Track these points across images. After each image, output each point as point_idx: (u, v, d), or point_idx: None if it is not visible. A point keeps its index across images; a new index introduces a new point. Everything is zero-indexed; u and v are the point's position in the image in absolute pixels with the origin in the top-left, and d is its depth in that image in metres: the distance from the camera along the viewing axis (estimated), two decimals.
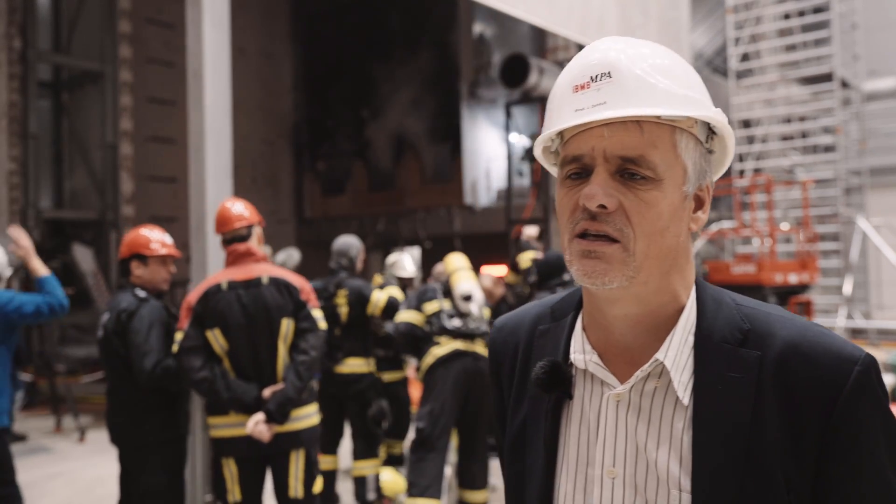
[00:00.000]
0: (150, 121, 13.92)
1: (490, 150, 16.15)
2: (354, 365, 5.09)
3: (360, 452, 5.15)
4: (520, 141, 13.99)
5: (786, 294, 10.01)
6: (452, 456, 4.95)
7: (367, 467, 5.12)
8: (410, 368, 6.08)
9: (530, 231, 6.36)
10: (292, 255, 6.76)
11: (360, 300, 5.10)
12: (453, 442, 4.80)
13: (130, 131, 13.50)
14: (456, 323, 4.51)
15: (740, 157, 12.64)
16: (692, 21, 11.87)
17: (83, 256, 11.05)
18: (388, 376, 5.48)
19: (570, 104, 0.93)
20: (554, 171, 1.04)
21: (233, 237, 3.48)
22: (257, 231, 3.58)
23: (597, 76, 0.91)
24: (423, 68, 16.12)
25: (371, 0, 16.57)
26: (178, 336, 3.30)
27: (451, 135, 16.32)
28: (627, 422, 0.94)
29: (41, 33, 12.70)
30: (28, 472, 6.17)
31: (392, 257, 6.00)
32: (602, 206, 0.89)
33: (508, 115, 13.03)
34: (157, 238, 3.67)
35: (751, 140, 12.76)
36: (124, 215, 13.27)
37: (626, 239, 0.89)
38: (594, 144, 0.90)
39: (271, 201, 17.31)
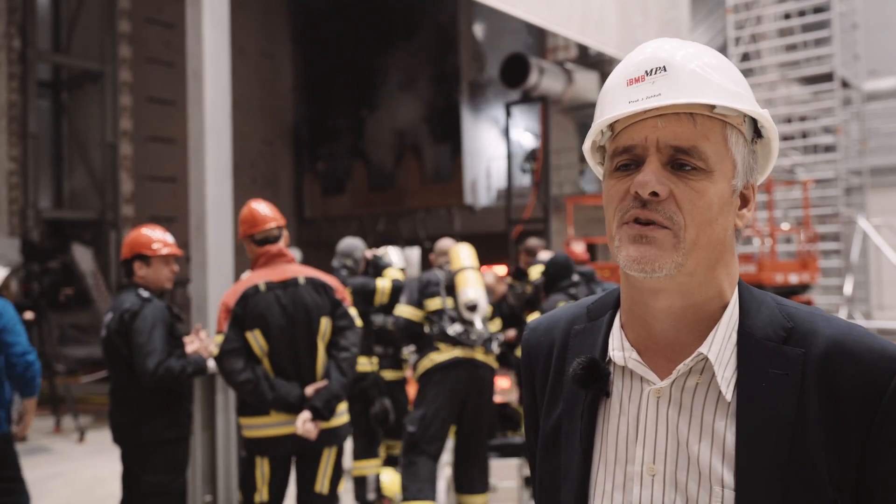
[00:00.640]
0: (149, 121, 13.92)
1: (490, 150, 16.15)
2: (358, 363, 5.08)
3: (361, 452, 5.14)
4: (523, 138, 14.01)
5: (786, 294, 9.98)
6: (448, 457, 4.90)
7: (367, 467, 5.11)
8: (409, 369, 6.07)
9: (535, 242, 6.32)
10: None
11: (365, 296, 5.10)
12: (450, 444, 4.77)
13: (130, 131, 13.50)
14: (457, 328, 4.35)
15: None
16: (692, 21, 11.88)
17: (83, 256, 11.05)
18: (387, 375, 5.46)
19: (623, 97, 0.94)
20: (597, 169, 1.05)
21: (265, 238, 3.48)
22: (285, 233, 3.62)
23: (652, 70, 0.93)
24: (423, 68, 16.12)
25: (370, 0, 16.57)
26: (218, 339, 3.29)
27: (451, 135, 16.32)
28: (668, 418, 0.94)
29: (41, 33, 12.70)
30: (28, 472, 6.14)
31: (378, 251, 5.92)
32: (654, 194, 0.90)
33: (508, 114, 13.02)
34: (158, 238, 3.67)
35: None
36: (124, 215, 13.27)
37: (677, 227, 0.90)
38: (647, 134, 0.92)
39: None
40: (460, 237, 15.29)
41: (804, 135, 13.01)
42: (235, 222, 3.87)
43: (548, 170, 12.55)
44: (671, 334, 0.96)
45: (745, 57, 13.03)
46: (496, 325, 4.67)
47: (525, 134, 14.86)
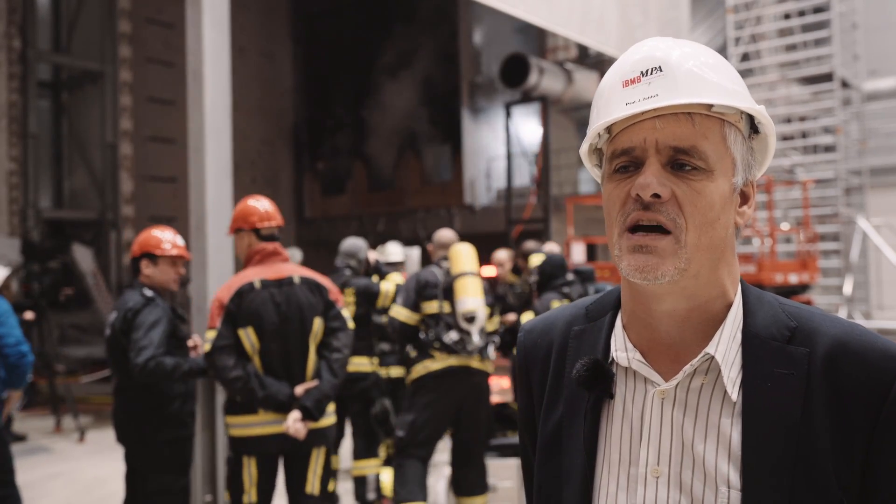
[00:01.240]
0: (149, 121, 13.93)
1: (490, 150, 16.15)
2: (359, 363, 5.09)
3: (361, 452, 5.14)
4: (526, 138, 13.99)
5: (786, 294, 9.99)
6: (447, 457, 4.88)
7: (367, 467, 5.12)
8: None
9: (532, 245, 6.31)
10: (294, 255, 6.75)
11: (368, 297, 5.11)
12: (448, 445, 4.74)
13: (130, 131, 13.50)
14: (454, 336, 4.24)
15: None
16: (692, 21, 11.88)
17: (83, 256, 11.05)
18: (394, 372, 5.45)
19: (620, 98, 0.93)
20: (594, 171, 1.05)
21: (270, 234, 3.47)
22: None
23: (648, 70, 0.92)
24: (423, 68, 16.12)
25: (371, 1, 16.57)
26: (210, 335, 3.28)
27: (451, 134, 16.32)
28: (673, 418, 0.94)
29: (41, 33, 12.70)
30: (28, 472, 6.16)
31: (379, 253, 5.96)
32: (656, 196, 0.90)
33: (508, 114, 13.02)
34: (168, 239, 3.69)
35: None
36: (124, 215, 13.27)
37: (679, 229, 0.90)
38: (646, 136, 0.91)
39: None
40: (460, 237, 15.31)
41: (804, 135, 13.01)
42: None
43: (548, 170, 12.55)
44: (675, 335, 0.96)
45: (745, 57, 13.03)
46: (494, 323, 4.57)
47: (527, 134, 14.86)
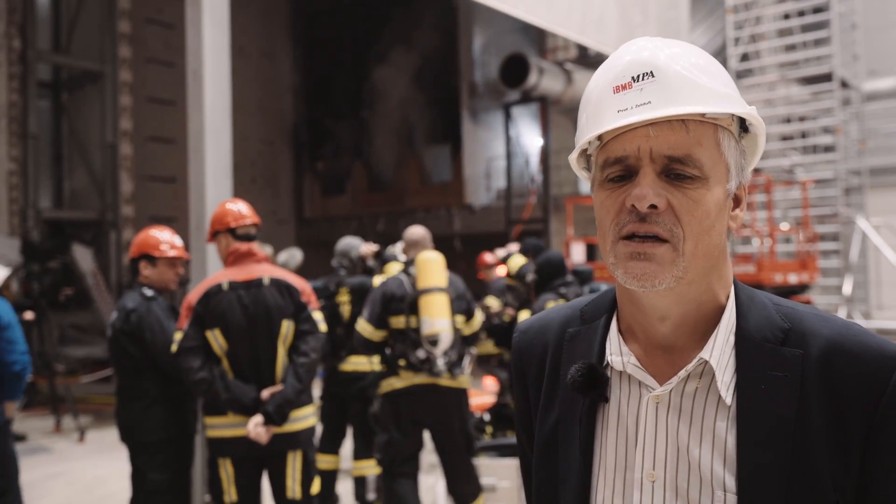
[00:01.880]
0: (149, 121, 13.93)
1: (490, 150, 16.16)
2: (357, 363, 5.09)
3: (360, 452, 5.14)
4: (525, 136, 13.99)
5: (785, 294, 10.00)
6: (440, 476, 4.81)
7: (367, 467, 5.12)
8: None
9: (512, 248, 6.25)
10: (294, 255, 6.75)
11: (362, 296, 5.09)
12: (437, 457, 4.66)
13: (130, 131, 13.51)
14: (420, 355, 4.00)
15: None
16: (692, 21, 11.88)
17: (83, 256, 11.05)
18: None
19: (611, 105, 0.91)
20: (583, 174, 1.03)
21: (245, 234, 3.48)
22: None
23: (639, 76, 0.90)
24: (423, 68, 16.12)
25: (371, 1, 16.57)
26: (178, 336, 3.31)
27: (450, 135, 16.32)
28: (668, 423, 0.93)
29: (41, 33, 12.70)
30: (28, 472, 6.16)
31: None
32: (653, 207, 0.88)
33: (508, 115, 13.02)
34: (166, 239, 3.70)
35: None
36: (124, 215, 13.27)
37: (676, 239, 0.89)
38: (640, 144, 0.89)
39: (271, 201, 17.31)
40: (460, 237, 15.33)
41: (803, 135, 13.02)
42: None
43: (547, 170, 12.55)
44: (670, 339, 0.95)
45: (745, 57, 13.03)
46: (474, 325, 4.31)
47: (527, 134, 14.86)
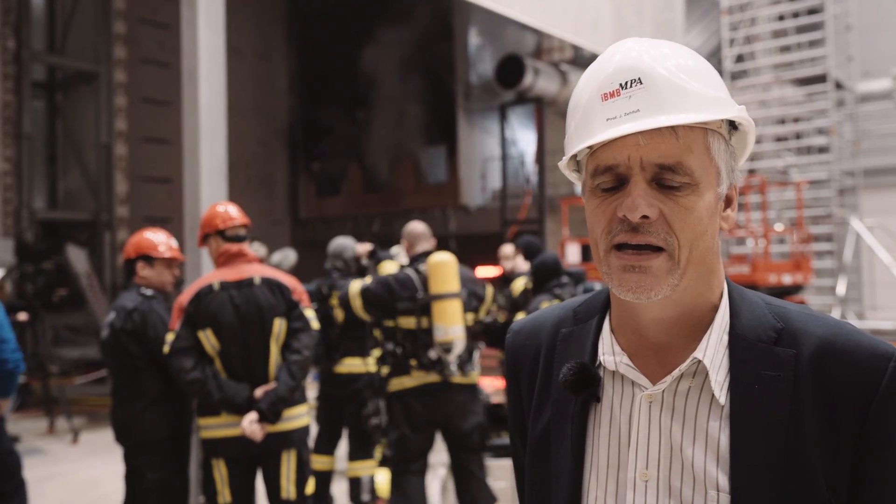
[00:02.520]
0: (144, 121, 13.89)
1: (485, 151, 16.17)
2: (352, 365, 5.08)
3: (355, 453, 5.14)
4: (520, 137, 13.99)
5: (780, 295, 10.03)
6: (438, 461, 4.80)
7: (361, 468, 5.12)
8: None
9: (509, 250, 6.11)
10: (288, 255, 6.73)
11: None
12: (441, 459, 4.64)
13: (125, 132, 13.47)
14: (432, 356, 3.97)
15: None
16: (687, 22, 11.91)
17: (77, 257, 11.01)
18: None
19: (600, 114, 0.90)
20: (574, 178, 1.02)
21: (234, 236, 3.48)
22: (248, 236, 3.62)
23: (627, 83, 0.89)
24: (419, 69, 16.12)
25: (366, 2, 16.57)
26: (170, 337, 3.30)
27: (446, 136, 16.32)
28: (661, 422, 0.93)
29: (35, 33, 12.66)
30: None
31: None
32: (644, 217, 0.88)
33: (503, 116, 13.03)
34: (163, 241, 3.71)
35: None
36: (118, 216, 13.24)
37: (672, 248, 0.88)
38: (630, 153, 0.88)
39: (266, 202, 17.29)
40: (455, 238, 15.33)
41: (798, 136, 13.06)
42: None
43: (542, 171, 12.57)
44: (663, 339, 0.96)
45: (740, 58, 13.07)
46: (482, 311, 4.31)
47: (522, 135, 14.87)
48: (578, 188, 1.01)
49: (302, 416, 3.47)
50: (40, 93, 13.15)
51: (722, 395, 0.91)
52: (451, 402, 4.07)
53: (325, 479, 5.11)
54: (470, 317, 4.19)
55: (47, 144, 13.27)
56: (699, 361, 0.92)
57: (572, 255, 10.01)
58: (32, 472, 6.47)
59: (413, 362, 4.01)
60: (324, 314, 4.99)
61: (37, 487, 6.03)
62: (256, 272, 3.43)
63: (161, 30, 14.14)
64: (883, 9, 14.68)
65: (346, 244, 5.27)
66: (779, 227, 11.93)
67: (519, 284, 5.69)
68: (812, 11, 12.70)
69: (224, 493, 3.31)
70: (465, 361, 4.06)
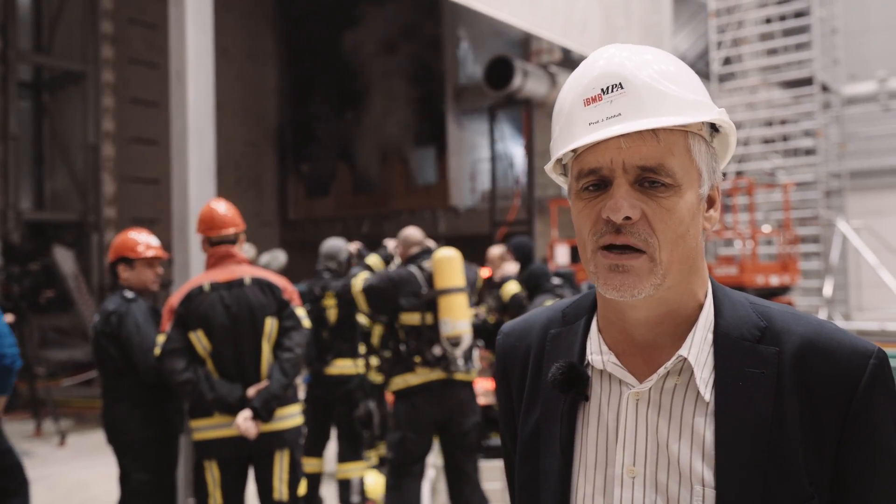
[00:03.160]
0: (132, 122, 13.81)
1: (474, 152, 16.18)
2: (343, 366, 5.08)
3: (345, 455, 5.14)
4: (511, 141, 14.01)
5: (767, 296, 10.09)
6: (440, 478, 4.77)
7: (351, 470, 5.11)
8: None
9: (497, 251, 6.09)
10: (277, 256, 6.72)
11: (348, 298, 5.05)
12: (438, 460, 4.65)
13: (112, 132, 13.39)
14: (437, 352, 4.00)
15: None
16: (675, 25, 11.97)
17: (64, 259, 10.95)
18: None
19: (582, 118, 0.93)
20: (560, 180, 1.05)
21: (221, 240, 3.48)
22: (242, 237, 3.60)
23: (608, 88, 0.91)
24: (408, 70, 16.12)
25: (355, 2, 16.55)
26: (161, 339, 3.29)
27: (435, 137, 16.33)
28: (648, 419, 0.95)
29: (22, 33, 12.57)
30: None
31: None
32: (627, 218, 0.90)
33: (493, 117, 13.05)
34: (143, 241, 3.70)
35: None
36: (106, 217, 13.16)
37: (652, 249, 0.91)
38: (612, 156, 0.91)
39: (255, 203, 17.22)
40: (444, 239, 15.33)
41: (785, 138, 13.14)
42: None
43: (532, 172, 12.59)
44: (649, 338, 0.97)
45: (727, 61, 13.14)
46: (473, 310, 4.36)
47: (510, 136, 14.90)
48: (566, 190, 1.03)
49: (294, 416, 3.47)
50: (27, 93, 13.06)
51: (707, 393, 0.93)
52: (454, 398, 4.09)
53: (314, 480, 5.10)
54: (471, 312, 4.22)
55: (34, 145, 13.18)
56: (684, 359, 0.94)
57: (562, 256, 10.03)
58: None
59: (417, 359, 4.03)
60: (316, 315, 4.98)
61: None
62: (247, 272, 3.44)
63: (149, 30, 14.07)
64: (868, 12, 14.81)
65: (341, 246, 5.27)
66: (766, 228, 12.00)
67: (509, 289, 5.70)
68: (799, 15, 12.79)
69: (215, 496, 3.29)
70: (467, 358, 4.10)
